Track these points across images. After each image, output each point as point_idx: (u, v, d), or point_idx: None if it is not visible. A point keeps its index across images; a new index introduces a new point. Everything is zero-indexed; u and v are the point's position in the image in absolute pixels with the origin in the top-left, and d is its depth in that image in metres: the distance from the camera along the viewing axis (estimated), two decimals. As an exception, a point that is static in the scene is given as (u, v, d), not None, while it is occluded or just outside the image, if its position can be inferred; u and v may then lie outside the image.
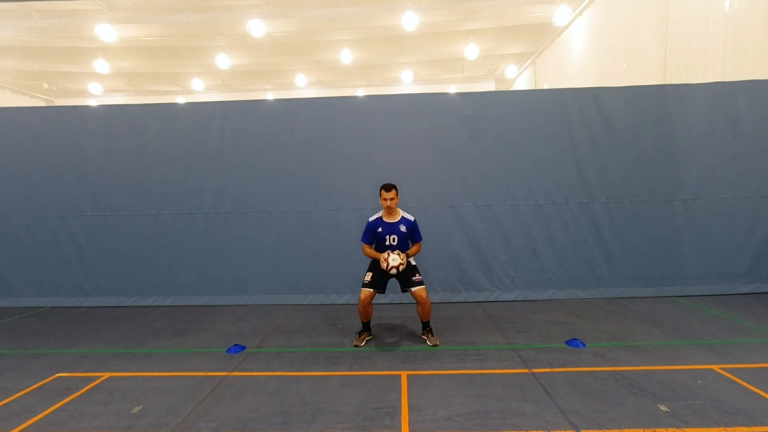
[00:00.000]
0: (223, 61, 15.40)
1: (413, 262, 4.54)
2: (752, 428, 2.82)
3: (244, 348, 4.47)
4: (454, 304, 5.93)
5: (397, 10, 11.96)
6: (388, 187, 4.43)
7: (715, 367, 3.72)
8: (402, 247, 4.43)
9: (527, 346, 4.36)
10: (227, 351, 4.40)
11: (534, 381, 3.56)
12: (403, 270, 4.24)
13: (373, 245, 4.52)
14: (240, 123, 6.08)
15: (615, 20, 10.47)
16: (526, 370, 3.77)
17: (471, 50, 14.81)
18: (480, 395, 3.35)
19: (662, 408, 3.09)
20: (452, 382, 3.60)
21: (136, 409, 3.27)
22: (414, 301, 4.51)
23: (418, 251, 4.54)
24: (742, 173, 5.90)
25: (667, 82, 8.08)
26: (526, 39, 15.14)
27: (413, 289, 4.42)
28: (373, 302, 4.52)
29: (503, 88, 20.01)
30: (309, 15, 12.14)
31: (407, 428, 2.92)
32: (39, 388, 3.69)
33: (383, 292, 4.60)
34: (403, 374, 3.75)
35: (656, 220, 5.96)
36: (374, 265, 4.46)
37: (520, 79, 19.10)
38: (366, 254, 4.52)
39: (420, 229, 4.59)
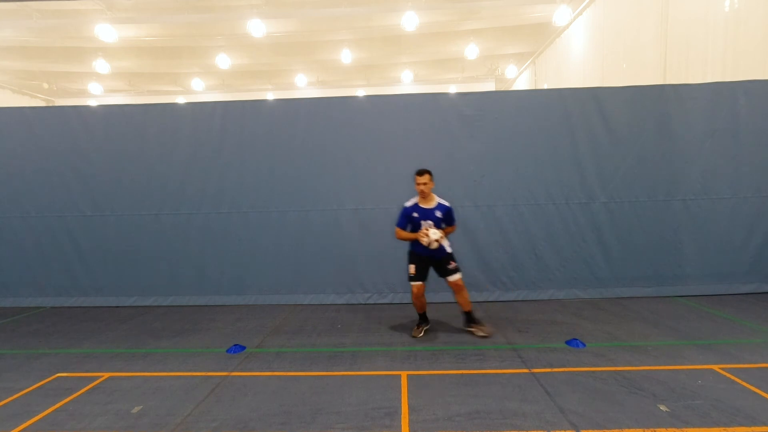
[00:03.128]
0: (223, 61, 15.40)
1: (449, 250, 4.57)
2: (752, 428, 2.82)
3: (244, 348, 4.47)
4: (454, 304, 5.91)
5: (397, 10, 11.95)
6: (421, 172, 4.46)
7: (715, 367, 3.72)
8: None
9: (527, 346, 4.36)
10: (227, 351, 4.40)
11: (534, 381, 3.56)
12: (441, 244, 4.34)
13: (408, 230, 4.57)
14: (240, 123, 6.08)
15: (615, 20, 10.46)
16: (526, 370, 3.77)
17: (471, 50, 14.80)
18: (480, 395, 3.35)
19: (662, 408, 3.09)
20: (452, 382, 3.60)
21: (136, 409, 3.27)
22: (451, 296, 4.69)
23: (453, 231, 4.67)
24: (742, 173, 5.90)
25: (667, 82, 8.08)
26: (526, 39, 15.13)
27: (449, 278, 4.55)
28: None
29: (503, 88, 20.01)
30: (309, 15, 12.13)
31: (407, 428, 2.92)
32: (39, 388, 3.69)
33: (426, 280, 4.66)
34: (403, 374, 3.75)
35: (656, 220, 5.96)
36: (414, 258, 4.56)
37: (520, 79, 19.09)
38: (400, 237, 4.57)
39: (455, 214, 4.66)
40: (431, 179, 4.47)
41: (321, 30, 13.66)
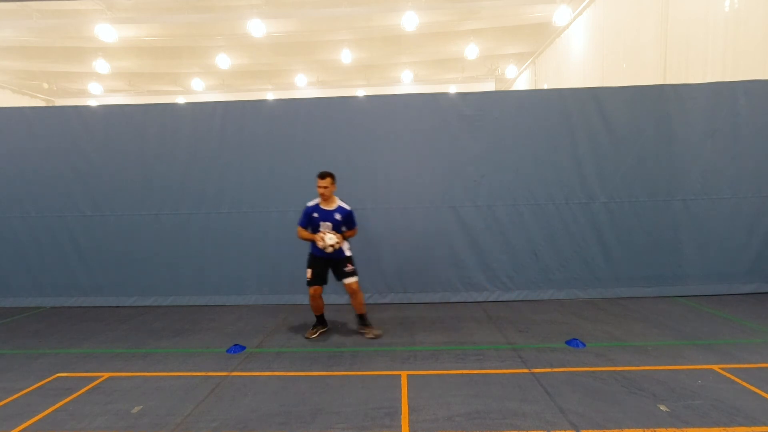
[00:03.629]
0: (223, 61, 15.39)
1: (348, 253, 4.70)
2: (752, 428, 2.82)
3: (244, 348, 4.47)
4: (454, 304, 5.93)
5: (397, 10, 11.95)
6: (322, 175, 4.56)
7: (715, 367, 3.72)
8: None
9: (527, 346, 4.36)
10: (227, 351, 4.40)
11: (534, 381, 3.56)
12: (338, 248, 4.44)
13: (309, 230, 4.66)
14: (240, 123, 6.08)
15: (615, 20, 10.46)
16: (526, 370, 3.77)
17: (471, 50, 14.79)
18: (480, 395, 3.35)
19: (662, 408, 3.09)
20: (452, 382, 3.60)
21: (136, 409, 3.27)
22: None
23: (353, 235, 4.77)
24: (742, 173, 5.90)
25: (667, 82, 8.08)
26: (526, 39, 15.12)
27: (345, 281, 4.68)
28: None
29: (503, 88, 20.01)
30: (309, 15, 12.12)
31: (407, 428, 2.92)
32: (39, 388, 3.69)
33: (326, 283, 4.76)
34: (403, 374, 3.75)
35: (656, 220, 5.96)
36: (312, 261, 4.68)
37: (520, 79, 19.09)
38: (300, 237, 4.68)
39: (356, 219, 4.74)
40: (333, 183, 4.57)
41: (321, 30, 13.66)
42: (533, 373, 3.71)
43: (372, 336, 4.69)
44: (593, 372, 3.70)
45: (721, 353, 4.02)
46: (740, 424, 2.86)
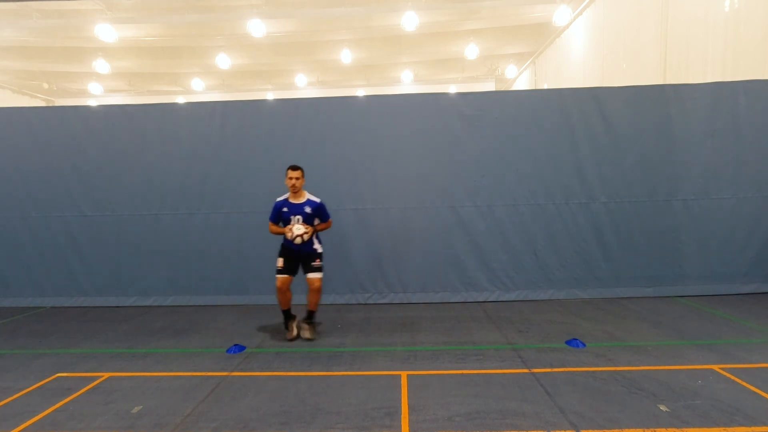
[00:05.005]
0: (223, 61, 15.39)
1: (320, 250, 4.76)
2: (752, 428, 2.82)
3: (244, 348, 4.47)
4: (454, 304, 5.93)
5: (397, 10, 11.95)
6: (294, 167, 4.65)
7: (715, 367, 3.72)
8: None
9: (527, 346, 4.36)
10: (227, 351, 4.40)
11: (534, 381, 3.56)
12: (307, 240, 4.51)
13: (280, 225, 4.71)
14: (240, 123, 6.08)
15: (615, 20, 10.46)
16: (526, 370, 3.77)
17: (471, 50, 14.79)
18: (480, 395, 3.34)
19: (662, 408, 3.09)
20: (452, 382, 3.59)
21: (136, 409, 3.27)
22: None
23: (327, 227, 4.84)
24: (742, 173, 5.90)
25: (667, 82, 8.07)
26: (526, 39, 15.12)
27: (309, 275, 4.70)
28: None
29: (503, 88, 20.01)
30: (309, 15, 12.12)
31: (407, 428, 2.92)
32: (39, 388, 3.69)
33: (294, 275, 4.75)
34: (403, 374, 3.75)
35: (656, 220, 5.96)
36: (284, 251, 4.70)
37: (520, 79, 19.09)
38: (271, 231, 4.75)
39: (328, 210, 4.81)
40: (303, 175, 4.66)
41: (321, 30, 13.66)
42: (533, 373, 3.71)
43: (308, 336, 4.66)
44: (593, 372, 3.70)
45: (721, 353, 4.02)
46: (740, 424, 2.86)
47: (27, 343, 4.84)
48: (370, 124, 6.02)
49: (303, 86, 19.42)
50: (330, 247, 6.09)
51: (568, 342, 4.39)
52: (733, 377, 3.52)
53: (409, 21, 11.87)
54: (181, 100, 16.42)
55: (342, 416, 3.09)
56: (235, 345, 4.50)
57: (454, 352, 4.26)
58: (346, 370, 3.88)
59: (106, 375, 3.90)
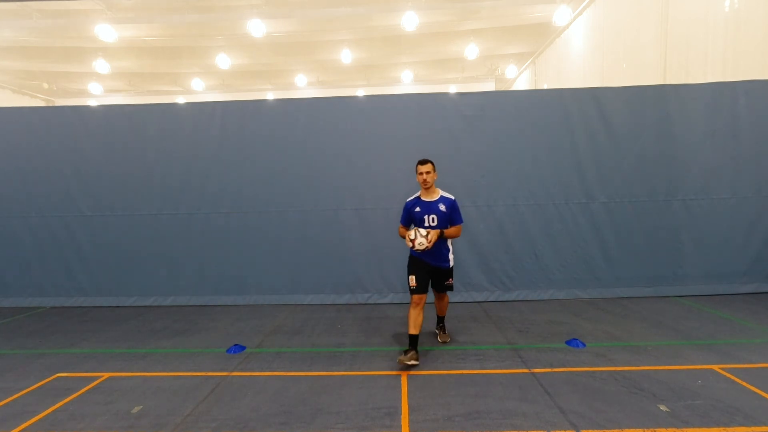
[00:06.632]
0: (223, 61, 15.39)
1: (452, 263, 4.23)
2: (752, 428, 2.82)
3: (244, 348, 4.47)
4: (454, 304, 5.92)
5: (397, 10, 11.95)
6: (423, 161, 4.09)
7: (715, 367, 3.72)
8: (442, 228, 4.05)
9: (527, 346, 4.36)
10: (227, 351, 4.40)
11: (534, 381, 3.56)
12: (430, 248, 3.85)
13: (412, 227, 4.06)
14: (240, 123, 6.08)
15: (615, 20, 10.46)
16: (526, 370, 3.77)
17: (471, 50, 14.79)
18: (480, 395, 3.34)
19: (662, 408, 3.09)
20: (452, 382, 3.60)
21: (136, 409, 3.27)
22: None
23: (457, 234, 4.13)
24: (742, 173, 5.90)
25: (667, 82, 8.08)
26: (526, 39, 15.12)
27: (440, 293, 4.40)
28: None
29: (503, 88, 20.00)
30: (309, 15, 12.12)
31: (407, 428, 2.92)
32: (39, 388, 3.69)
33: (427, 292, 4.14)
34: (403, 374, 3.75)
35: (656, 220, 5.96)
36: (413, 266, 4.09)
37: (520, 79, 19.09)
38: (401, 235, 4.16)
39: (461, 212, 4.20)
40: (434, 169, 4.09)
41: (321, 30, 13.66)
42: (533, 373, 3.71)
43: (441, 341, 4.50)
44: (593, 372, 3.70)
45: (721, 353, 4.02)
46: (740, 424, 2.86)
47: (27, 343, 4.84)
48: (370, 124, 6.02)
49: (303, 86, 19.42)
50: (330, 247, 6.11)
51: (568, 342, 4.39)
52: (733, 377, 3.52)
53: (409, 21, 11.87)
54: (181, 100, 16.43)
55: (342, 416, 3.09)
56: (235, 345, 4.50)
57: (454, 352, 4.26)
58: (346, 370, 3.88)
59: (106, 375, 3.90)
